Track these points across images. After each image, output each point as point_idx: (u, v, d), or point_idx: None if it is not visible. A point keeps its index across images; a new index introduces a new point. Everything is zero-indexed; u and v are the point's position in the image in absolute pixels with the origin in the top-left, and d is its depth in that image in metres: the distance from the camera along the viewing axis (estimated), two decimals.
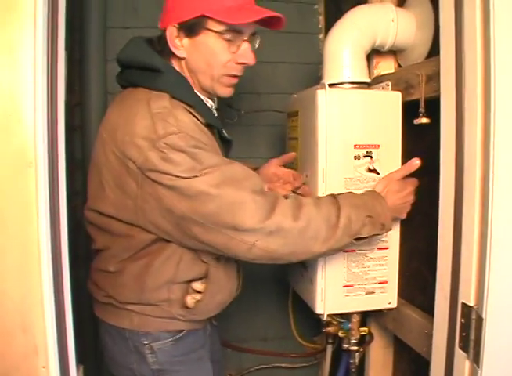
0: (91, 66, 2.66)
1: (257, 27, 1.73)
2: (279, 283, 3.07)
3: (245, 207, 1.55)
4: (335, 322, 2.25)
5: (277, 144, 2.95)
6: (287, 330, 3.17)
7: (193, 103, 1.67)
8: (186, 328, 1.83)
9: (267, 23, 1.74)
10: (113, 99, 1.85)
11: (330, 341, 2.65)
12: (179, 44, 1.69)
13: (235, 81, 1.78)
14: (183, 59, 1.73)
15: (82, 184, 2.43)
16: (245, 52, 1.71)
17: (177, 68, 1.75)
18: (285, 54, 3.01)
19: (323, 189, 1.92)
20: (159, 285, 1.73)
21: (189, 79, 1.76)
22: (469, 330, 1.38)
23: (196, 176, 1.52)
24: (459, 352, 1.43)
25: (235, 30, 1.65)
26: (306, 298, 2.16)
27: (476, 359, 1.35)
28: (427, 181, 1.95)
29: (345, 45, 2.01)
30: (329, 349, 2.68)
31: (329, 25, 2.86)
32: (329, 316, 2.06)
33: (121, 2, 2.83)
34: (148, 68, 1.70)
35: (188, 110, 1.64)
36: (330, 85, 1.96)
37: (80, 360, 1.39)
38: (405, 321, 2.04)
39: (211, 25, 1.63)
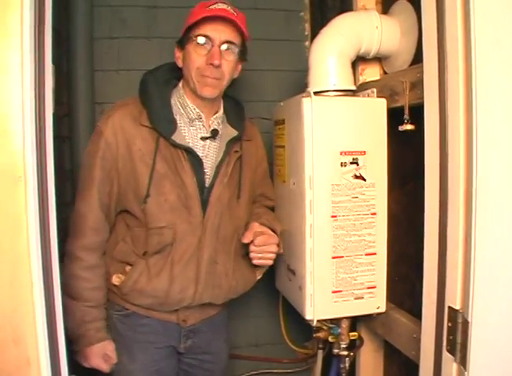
0: (79, 76, 2.67)
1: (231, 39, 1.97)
2: (270, 289, 3.07)
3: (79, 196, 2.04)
4: (325, 327, 2.26)
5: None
6: (278, 336, 3.16)
7: (148, 106, 2.00)
8: (130, 308, 2.08)
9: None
10: (103, 110, 2.21)
11: (321, 346, 2.65)
12: (180, 58, 2.05)
13: (210, 81, 1.97)
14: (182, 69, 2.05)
15: (72, 195, 2.43)
16: (211, 54, 1.93)
17: (182, 79, 2.09)
18: (271, 61, 3.02)
19: (311, 197, 1.94)
20: (110, 259, 2.07)
21: (186, 87, 2.07)
22: (455, 334, 1.40)
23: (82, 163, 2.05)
24: (446, 355, 1.44)
25: (205, 36, 1.93)
26: (295, 303, 2.18)
27: (463, 362, 1.37)
28: (412, 186, 1.97)
29: (330, 53, 2.03)
30: (320, 354, 2.68)
31: (315, 32, 2.87)
32: (319, 321, 2.06)
33: (108, 13, 2.83)
34: None
35: (136, 115, 1.99)
36: (316, 93, 1.98)
37: (72, 371, 1.39)
38: (394, 325, 2.05)
39: (189, 34, 1.96)
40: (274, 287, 2.59)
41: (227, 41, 1.94)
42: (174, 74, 2.09)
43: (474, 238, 1.31)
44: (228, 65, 1.98)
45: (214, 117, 2.08)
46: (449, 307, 1.43)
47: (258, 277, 2.28)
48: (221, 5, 1.92)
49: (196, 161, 2.00)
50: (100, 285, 2.02)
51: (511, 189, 1.32)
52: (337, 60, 2.03)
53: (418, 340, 1.67)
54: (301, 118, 1.94)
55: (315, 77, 2.08)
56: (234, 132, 2.11)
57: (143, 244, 1.98)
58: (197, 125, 2.04)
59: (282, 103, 2.28)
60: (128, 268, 2.00)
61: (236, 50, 1.99)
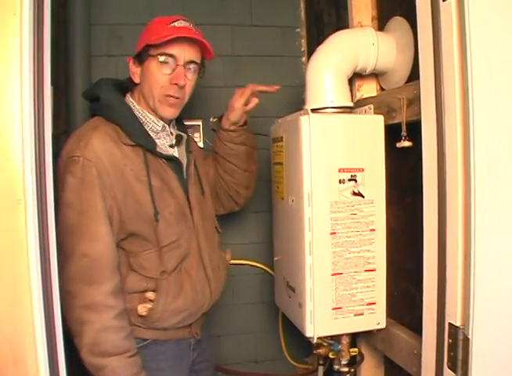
0: (76, 94, 2.66)
1: (194, 58, 2.00)
2: (269, 305, 3.07)
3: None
4: (325, 344, 2.25)
5: (262, 167, 2.95)
6: (278, 352, 3.16)
7: (122, 123, 1.93)
8: (150, 337, 1.98)
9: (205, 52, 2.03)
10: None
11: (321, 362, 2.64)
12: (136, 73, 2.01)
13: (173, 101, 1.99)
14: (139, 84, 2.03)
15: None
16: (177, 74, 1.95)
17: (136, 95, 2.05)
18: (268, 77, 3.02)
19: (309, 214, 1.94)
20: (122, 294, 1.88)
21: (143, 103, 2.04)
22: (456, 350, 1.40)
23: (69, 204, 1.79)
24: (447, 372, 1.44)
25: (168, 54, 1.93)
26: (295, 320, 2.17)
27: None
28: (411, 201, 1.97)
29: (327, 70, 2.03)
30: (321, 370, 2.66)
31: (311, 48, 2.89)
32: (319, 338, 2.06)
33: (106, 31, 2.86)
34: (97, 99, 2.03)
35: (113, 135, 1.90)
36: (313, 110, 1.99)
37: None
38: (394, 341, 2.05)
39: (151, 51, 1.94)
40: (273, 303, 2.59)
41: (190, 61, 1.98)
42: (118, 89, 2.07)
43: (473, 253, 1.32)
44: (190, 84, 2.02)
45: (172, 124, 2.13)
46: (450, 323, 1.43)
47: (229, 262, 2.35)
48: (182, 23, 1.95)
49: (177, 168, 2.03)
50: (130, 329, 1.86)
51: (509, 203, 1.33)
52: (334, 77, 2.03)
53: (419, 356, 1.67)
54: (299, 136, 1.94)
55: (312, 94, 2.08)
56: (185, 135, 2.18)
57: (157, 264, 1.92)
58: (162, 135, 2.07)
59: (279, 120, 2.29)
60: (149, 294, 1.91)
61: (197, 69, 2.03)
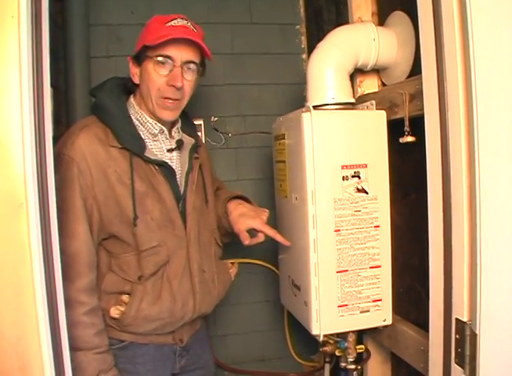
0: (77, 96, 2.66)
1: (193, 58, 1.95)
2: (274, 303, 3.06)
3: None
4: (331, 341, 2.25)
5: (265, 165, 2.95)
6: (284, 350, 3.16)
7: (112, 125, 1.92)
8: (127, 339, 1.98)
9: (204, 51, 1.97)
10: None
11: (328, 359, 2.63)
12: (136, 74, 2.00)
13: (171, 104, 1.96)
14: (139, 85, 2.01)
15: None
16: (174, 76, 1.91)
17: (137, 96, 2.03)
18: (269, 75, 3.03)
19: (313, 211, 1.93)
20: (99, 293, 1.91)
21: (142, 104, 2.02)
22: (464, 346, 1.39)
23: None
24: (455, 368, 1.43)
25: (165, 56, 1.89)
26: (301, 318, 2.17)
27: (472, 374, 1.35)
28: (415, 197, 1.96)
29: (328, 67, 2.03)
30: (327, 368, 2.66)
31: (311, 45, 2.88)
32: (325, 336, 2.05)
33: (104, 32, 2.85)
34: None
35: (101, 135, 1.90)
36: (315, 107, 1.98)
37: None
38: (400, 338, 2.04)
39: (148, 52, 1.91)
40: (278, 301, 2.58)
41: (189, 61, 1.94)
42: (122, 89, 2.06)
43: (479, 248, 1.31)
44: (189, 85, 1.97)
45: (176, 127, 2.10)
46: (457, 319, 1.42)
47: (232, 279, 2.31)
48: (180, 21, 1.91)
49: (169, 174, 1.99)
50: (104, 327, 1.88)
51: None
52: (335, 74, 2.03)
53: (426, 352, 1.66)
54: (301, 133, 1.93)
55: (313, 91, 2.07)
56: (192, 140, 2.14)
57: (136, 268, 1.91)
58: (161, 139, 2.04)
59: (281, 118, 2.28)
60: (124, 297, 1.91)
61: (196, 69, 1.99)
